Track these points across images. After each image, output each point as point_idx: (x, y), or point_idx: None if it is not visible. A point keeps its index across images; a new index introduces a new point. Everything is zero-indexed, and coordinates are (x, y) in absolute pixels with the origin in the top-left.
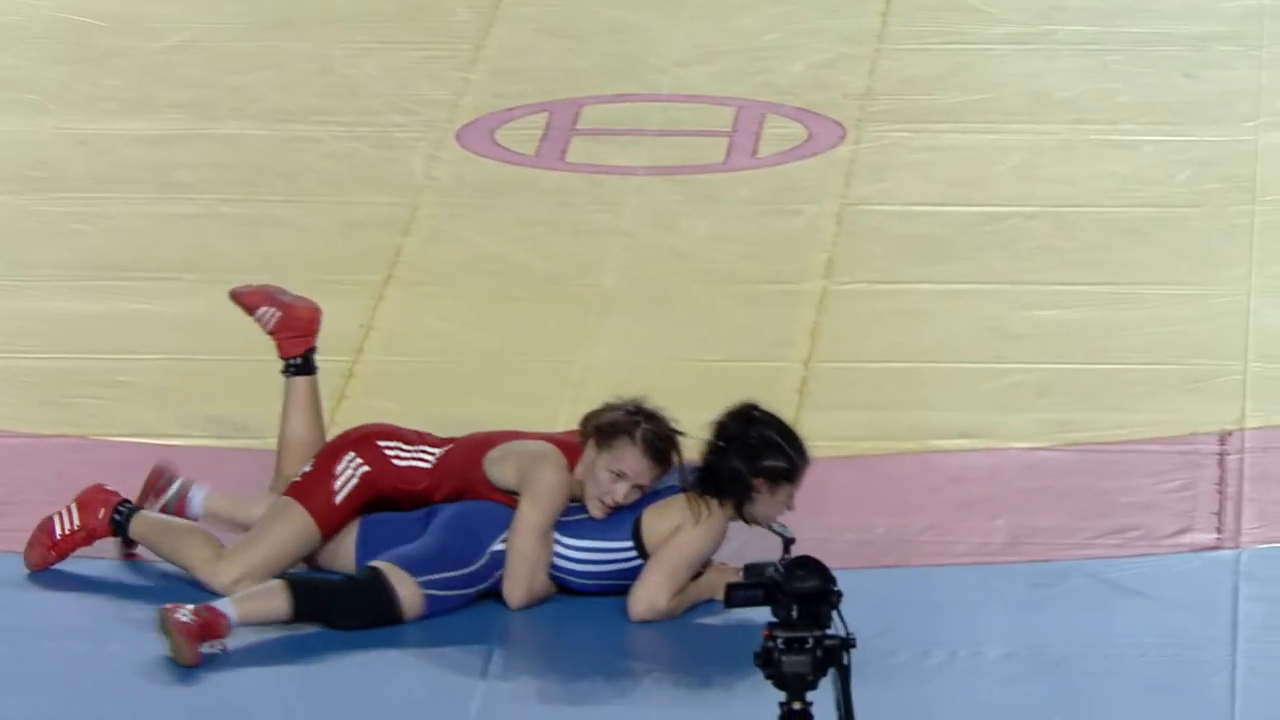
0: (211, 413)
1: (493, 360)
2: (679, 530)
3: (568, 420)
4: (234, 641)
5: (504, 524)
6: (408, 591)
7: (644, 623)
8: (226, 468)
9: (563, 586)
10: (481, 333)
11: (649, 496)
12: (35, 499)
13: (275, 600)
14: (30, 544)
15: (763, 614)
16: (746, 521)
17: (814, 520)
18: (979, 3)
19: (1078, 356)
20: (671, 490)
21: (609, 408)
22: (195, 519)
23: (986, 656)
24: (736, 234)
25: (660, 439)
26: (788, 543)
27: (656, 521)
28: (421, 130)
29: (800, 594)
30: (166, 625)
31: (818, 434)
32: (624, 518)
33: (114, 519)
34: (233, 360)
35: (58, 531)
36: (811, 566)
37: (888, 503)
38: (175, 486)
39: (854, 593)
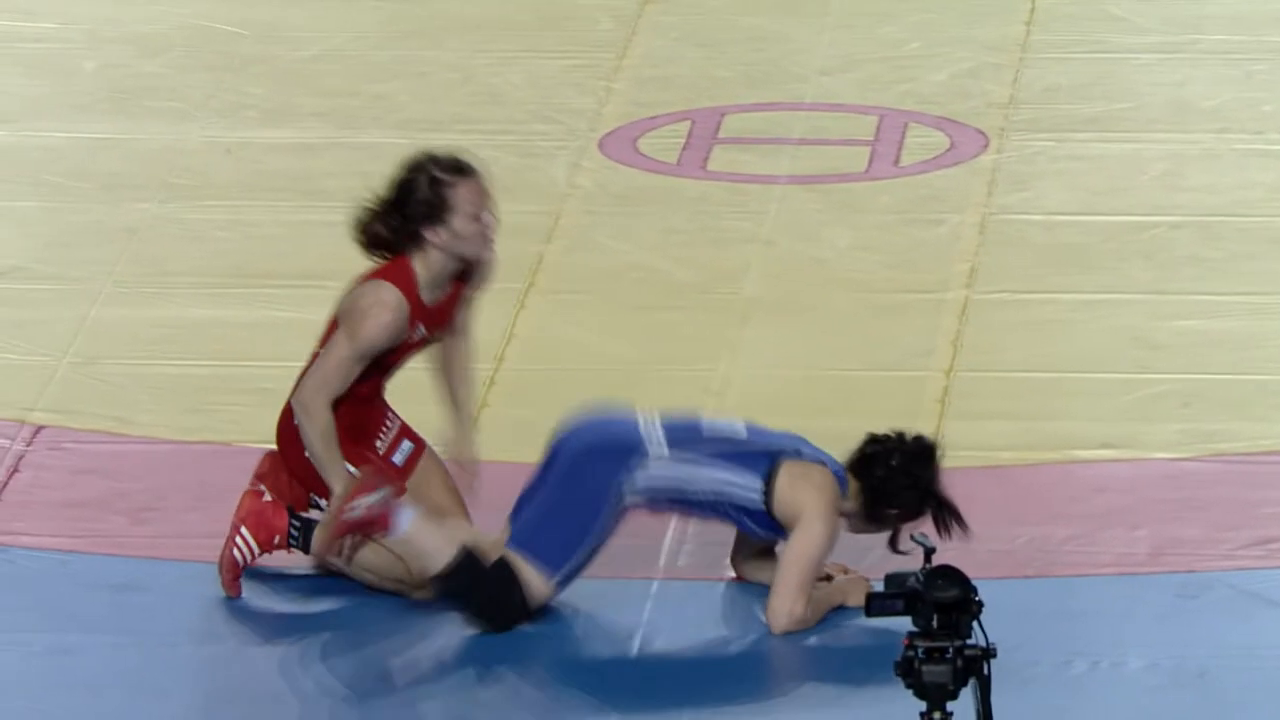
0: None
1: (633, 369)
2: (803, 522)
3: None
4: (378, 648)
5: (622, 461)
6: (538, 589)
7: (786, 633)
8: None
9: (680, 506)
10: (622, 341)
11: (794, 452)
12: (179, 505)
13: (443, 549)
14: (223, 580)
15: (904, 623)
16: (875, 531)
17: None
18: (1123, 11)
19: (1222, 367)
20: (815, 462)
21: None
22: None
23: (1129, 667)
24: (878, 243)
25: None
26: (929, 552)
27: (790, 483)
28: (564, 139)
29: (941, 603)
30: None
31: (959, 443)
32: (761, 459)
33: (291, 539)
34: None
35: (241, 563)
36: (952, 576)
37: (1029, 512)
38: (382, 493)
39: (995, 602)
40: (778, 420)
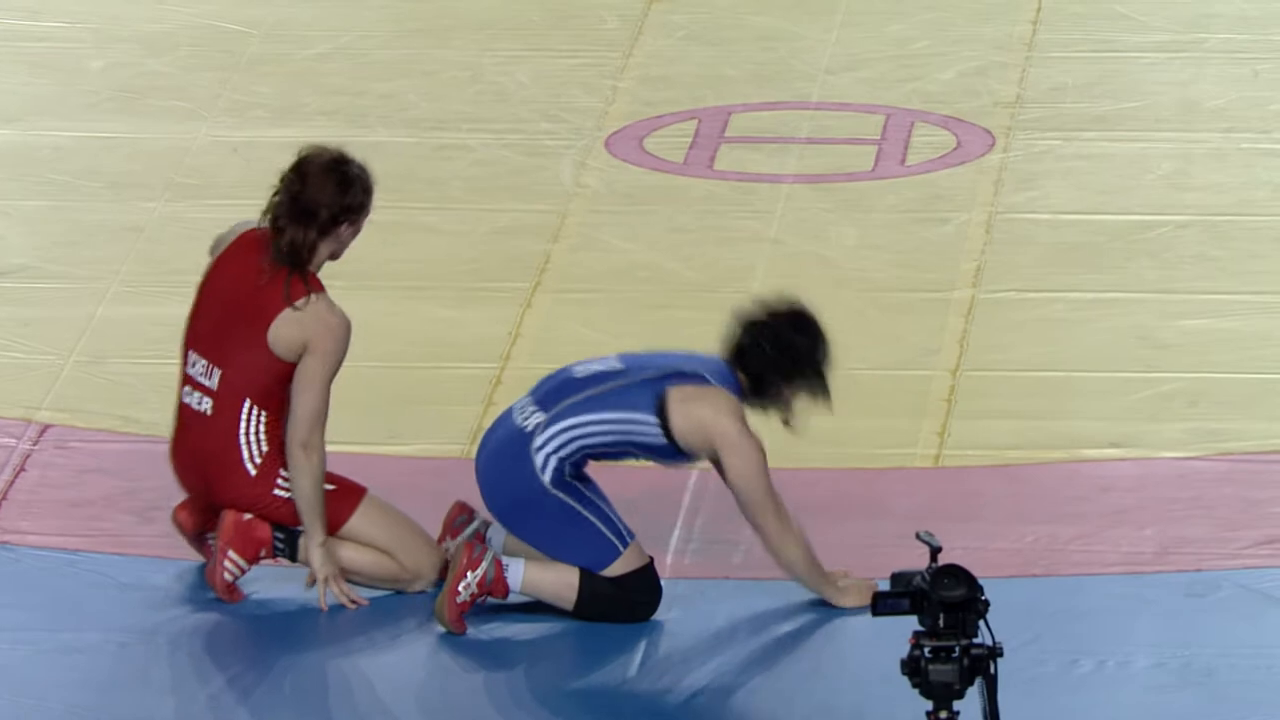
0: (369, 419)
1: None
2: (723, 451)
3: None
4: (384, 649)
5: (517, 456)
6: (637, 564)
7: (793, 568)
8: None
9: (598, 458)
10: (629, 340)
11: (674, 376)
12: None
13: (564, 586)
14: (221, 597)
15: (909, 622)
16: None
17: (962, 528)
18: (1129, 11)
19: (1229, 366)
20: (696, 379)
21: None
22: None
23: (1135, 666)
24: (885, 242)
25: None
26: (935, 551)
27: (684, 411)
28: (570, 138)
29: (947, 602)
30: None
31: (966, 442)
32: (645, 392)
33: (277, 549)
34: (382, 366)
35: (233, 581)
36: (959, 575)
37: (1036, 511)
38: (473, 525)
39: (1002, 601)
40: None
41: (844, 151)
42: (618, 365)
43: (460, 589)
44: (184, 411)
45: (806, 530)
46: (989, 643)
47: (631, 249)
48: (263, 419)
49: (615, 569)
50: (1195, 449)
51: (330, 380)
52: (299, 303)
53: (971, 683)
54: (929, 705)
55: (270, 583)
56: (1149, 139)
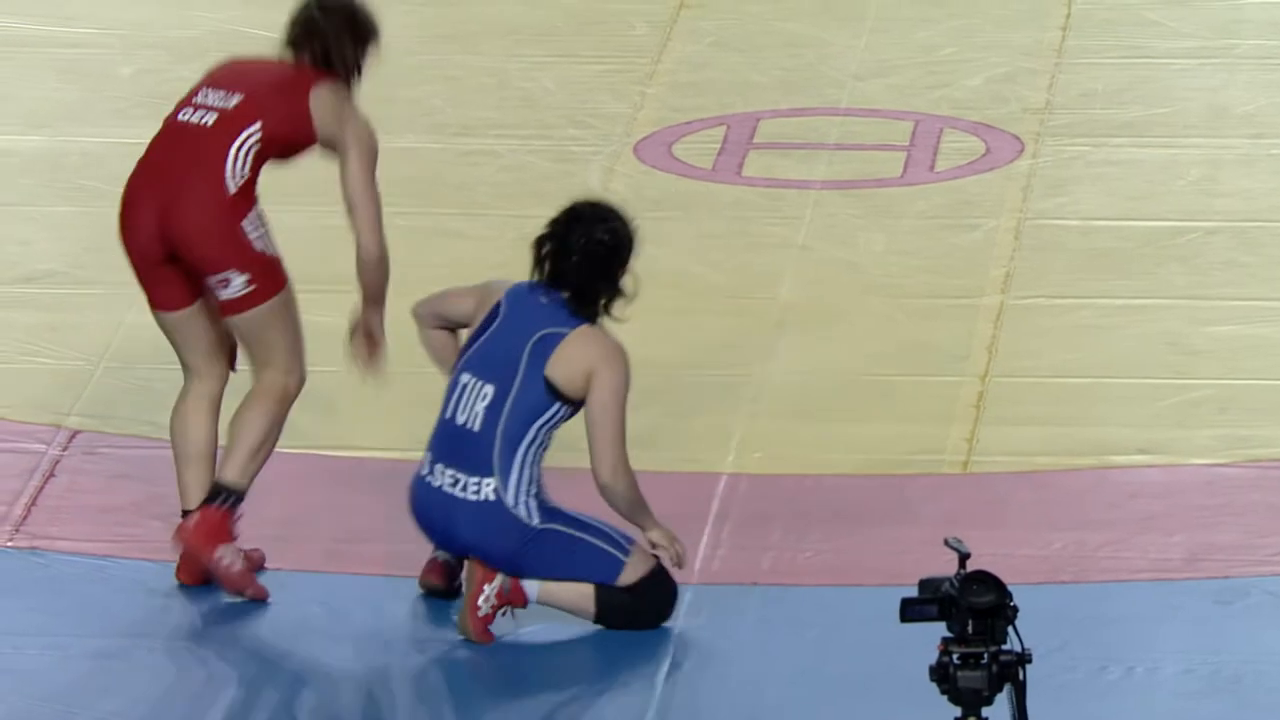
0: (402, 426)
1: (668, 373)
2: (595, 375)
3: (744, 436)
4: (411, 652)
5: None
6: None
7: (624, 495)
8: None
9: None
10: (657, 346)
11: (535, 356)
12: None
13: (581, 597)
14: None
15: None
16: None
17: (990, 535)
18: (1159, 16)
19: (1258, 372)
20: (548, 340)
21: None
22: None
23: (1164, 672)
24: (913, 248)
25: None
26: (963, 557)
27: (564, 371)
28: (598, 144)
29: (976, 609)
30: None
31: (995, 448)
32: (533, 389)
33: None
34: (411, 372)
35: (238, 570)
36: (987, 581)
37: (1065, 518)
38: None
39: (1030, 608)
40: (816, 425)
41: (873, 157)
42: (486, 389)
43: (480, 603)
44: (171, 128)
45: (833, 536)
46: (1018, 649)
47: (660, 255)
48: (255, 147)
49: (626, 577)
50: (1224, 455)
51: (374, 170)
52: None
53: (1000, 689)
54: (957, 711)
55: (298, 587)
56: (1178, 145)
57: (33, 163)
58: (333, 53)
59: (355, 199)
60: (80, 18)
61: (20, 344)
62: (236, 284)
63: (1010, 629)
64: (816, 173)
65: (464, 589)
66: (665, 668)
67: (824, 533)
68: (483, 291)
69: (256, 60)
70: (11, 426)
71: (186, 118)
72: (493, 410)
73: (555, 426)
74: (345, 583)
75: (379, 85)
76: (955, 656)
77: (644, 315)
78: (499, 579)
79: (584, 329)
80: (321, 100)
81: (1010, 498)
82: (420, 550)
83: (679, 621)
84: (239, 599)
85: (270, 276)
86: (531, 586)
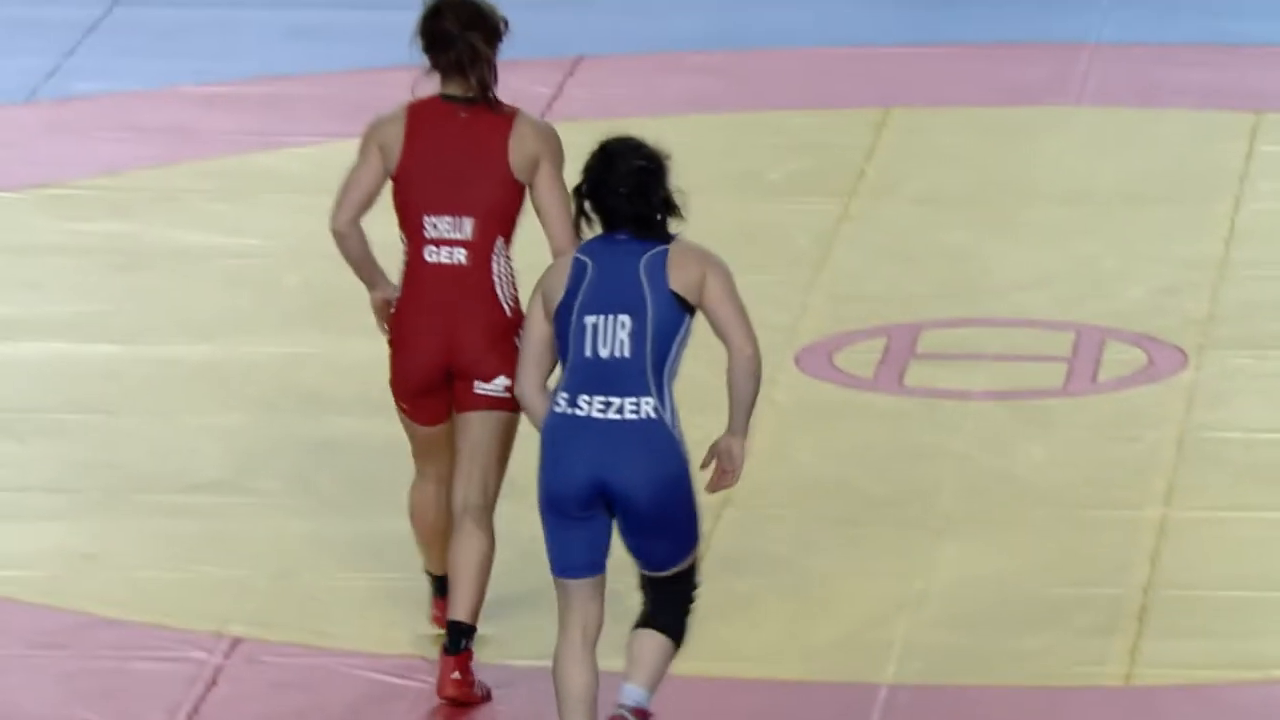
0: None
1: (829, 582)
2: (707, 273)
3: (905, 646)
4: None
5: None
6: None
7: (754, 357)
8: None
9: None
10: (818, 555)
11: (655, 280)
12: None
13: (668, 652)
14: None
15: None
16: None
17: None
18: None
19: None
20: (658, 257)
21: None
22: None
23: None
24: (1075, 459)
25: None
26: None
27: (683, 278)
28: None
29: None
30: None
31: (1158, 660)
32: (667, 307)
33: None
34: None
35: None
36: None
37: None
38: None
39: None
40: (977, 636)
41: (1034, 368)
42: (623, 318)
43: None
44: (432, 270)
45: None
46: None
47: (820, 463)
48: (505, 256)
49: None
50: None
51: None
52: (517, 119)
53: None
54: None
55: None
56: None
57: (199, 372)
58: (487, 75)
59: (548, 204)
60: (248, 229)
61: (184, 552)
62: (498, 384)
63: None
64: (977, 383)
65: None
66: None
67: None
68: (541, 286)
69: (443, 144)
70: (174, 635)
71: (439, 259)
72: (637, 336)
73: (685, 344)
74: None
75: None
76: None
77: (804, 524)
78: None
79: (676, 242)
80: (516, 150)
81: (1173, 712)
82: None
83: None
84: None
85: None
86: (637, 694)
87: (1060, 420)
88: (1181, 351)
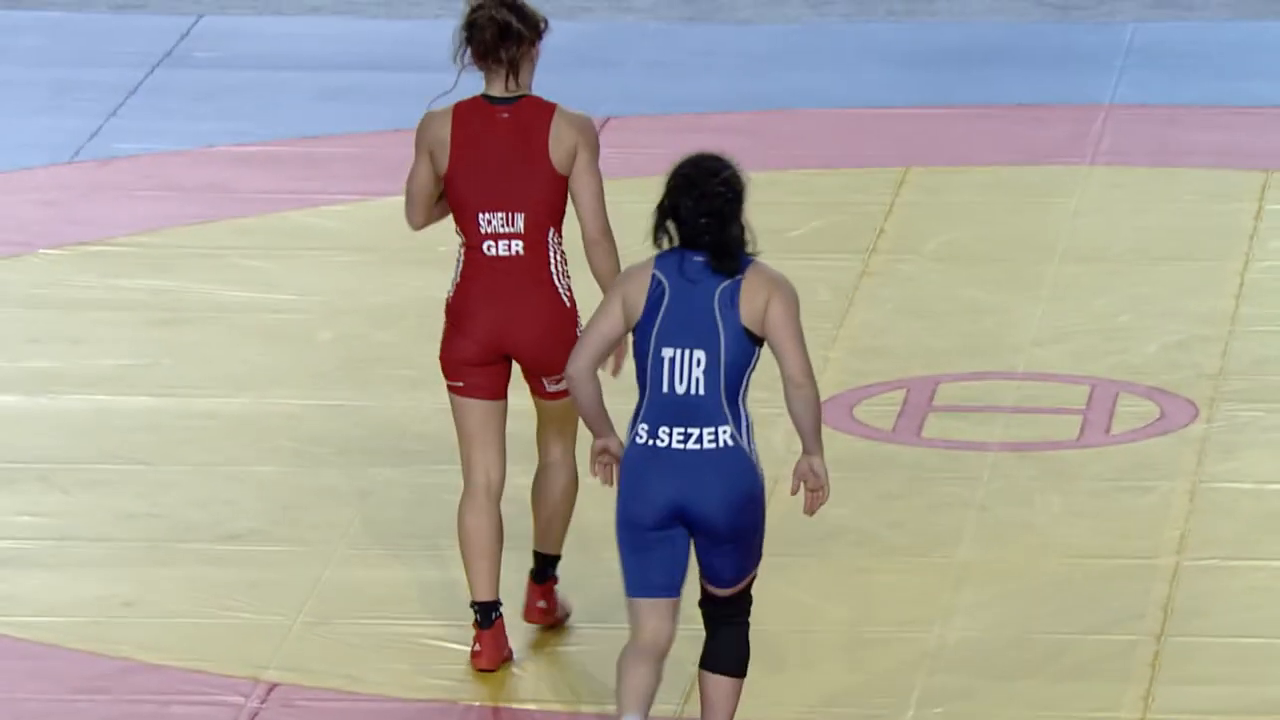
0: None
1: (849, 630)
2: (773, 297)
3: (923, 692)
4: None
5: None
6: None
7: (813, 403)
8: None
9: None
10: (837, 604)
11: (726, 312)
12: None
13: (736, 693)
14: None
15: None
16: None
17: None
18: None
19: None
20: (732, 288)
21: None
22: None
23: None
24: (1090, 509)
25: None
26: None
27: (750, 309)
28: (781, 406)
29: None
30: None
31: (1172, 708)
32: (736, 336)
33: None
34: None
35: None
36: None
37: None
38: None
39: None
40: (995, 682)
41: (1049, 421)
42: (697, 355)
43: None
44: (490, 262)
45: None
46: None
47: (839, 514)
48: (559, 246)
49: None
50: None
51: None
52: (555, 115)
53: None
54: None
55: None
56: None
57: (237, 424)
58: (526, 72)
59: (582, 186)
60: (284, 285)
61: (221, 599)
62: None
63: None
64: (994, 435)
65: None
66: None
67: None
68: (622, 288)
69: (488, 144)
70: (211, 680)
71: (498, 252)
72: (710, 373)
73: (753, 371)
74: None
75: None
76: None
77: (823, 573)
78: None
79: (752, 267)
80: (556, 144)
81: None
82: None
83: None
84: None
85: None
86: None
87: (1075, 471)
88: (1193, 404)
